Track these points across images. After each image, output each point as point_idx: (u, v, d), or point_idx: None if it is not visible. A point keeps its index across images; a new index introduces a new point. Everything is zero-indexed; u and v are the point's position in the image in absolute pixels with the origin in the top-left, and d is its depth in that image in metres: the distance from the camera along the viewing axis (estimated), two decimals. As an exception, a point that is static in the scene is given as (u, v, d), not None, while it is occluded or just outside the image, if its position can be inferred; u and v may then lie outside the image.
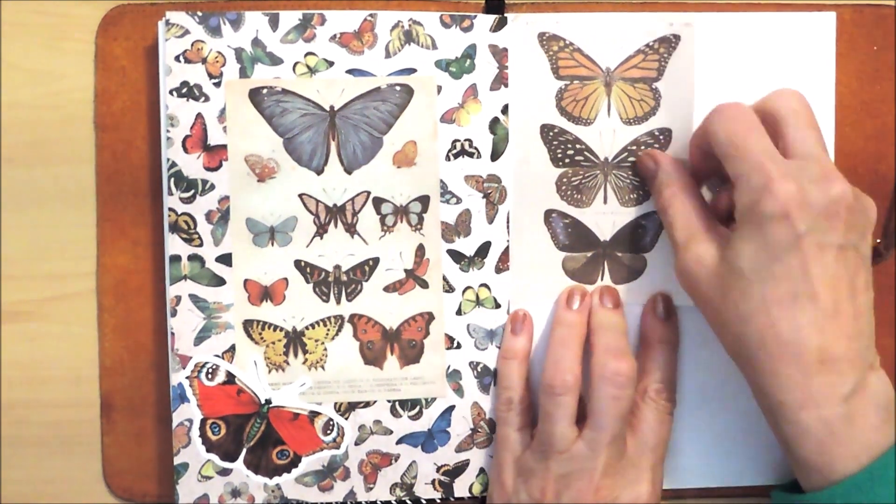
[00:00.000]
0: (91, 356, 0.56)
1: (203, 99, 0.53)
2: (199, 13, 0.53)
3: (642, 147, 0.55)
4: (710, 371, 0.56)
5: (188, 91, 0.53)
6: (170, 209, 0.53)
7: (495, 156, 0.55)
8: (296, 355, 0.54)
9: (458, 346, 0.55)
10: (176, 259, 0.54)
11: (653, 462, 0.53)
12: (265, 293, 0.54)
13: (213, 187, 0.53)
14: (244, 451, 0.55)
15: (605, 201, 0.56)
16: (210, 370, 0.54)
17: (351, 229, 0.54)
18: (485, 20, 0.54)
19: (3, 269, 0.56)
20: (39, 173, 0.56)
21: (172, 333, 0.54)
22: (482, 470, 0.56)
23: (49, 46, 0.56)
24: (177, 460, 0.54)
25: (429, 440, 0.55)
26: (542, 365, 0.54)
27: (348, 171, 0.54)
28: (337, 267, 0.54)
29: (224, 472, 0.55)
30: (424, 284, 0.55)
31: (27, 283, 0.56)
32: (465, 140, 0.54)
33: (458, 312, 0.55)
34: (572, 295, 0.55)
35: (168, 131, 0.53)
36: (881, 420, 0.46)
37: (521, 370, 0.55)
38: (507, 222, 0.55)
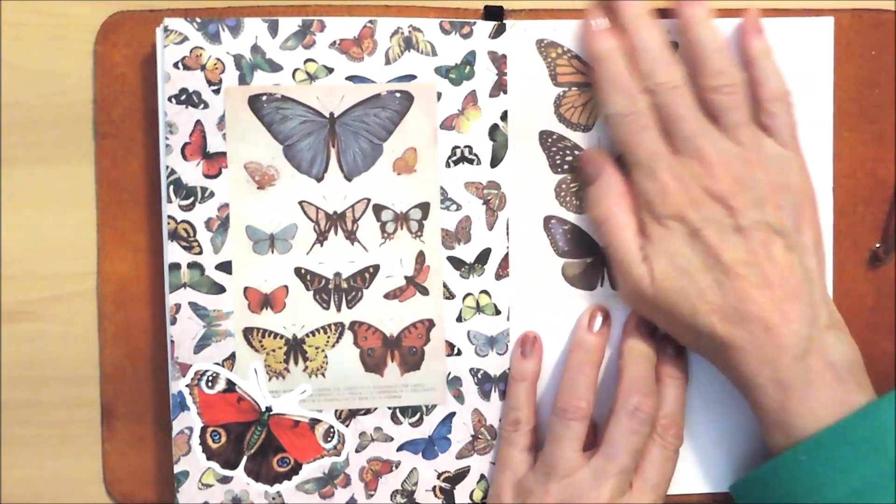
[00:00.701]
0: (91, 356, 0.56)
1: (202, 106, 0.53)
2: (198, 20, 0.53)
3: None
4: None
5: (187, 98, 0.53)
6: (169, 217, 0.53)
7: (495, 162, 0.55)
8: (296, 363, 0.54)
9: (459, 353, 0.55)
10: (175, 267, 0.53)
11: (653, 501, 0.52)
12: (265, 301, 0.54)
13: (212, 195, 0.53)
14: (245, 458, 0.55)
15: (605, 207, 0.56)
16: (210, 378, 0.54)
17: (351, 236, 0.54)
18: (484, 27, 0.54)
19: (3, 269, 0.56)
20: (39, 173, 0.56)
21: (172, 341, 0.54)
22: (483, 476, 0.56)
23: (49, 46, 0.55)
24: (177, 468, 0.54)
25: (429, 447, 0.55)
26: (550, 382, 0.55)
27: (348, 178, 0.54)
28: (337, 274, 0.54)
29: (224, 480, 0.55)
30: (425, 291, 0.55)
31: (27, 283, 0.56)
32: (465, 147, 0.54)
33: (459, 319, 0.55)
34: (594, 316, 0.55)
35: (167, 138, 0.53)
36: (836, 377, 0.48)
37: (530, 392, 0.55)
38: (507, 229, 0.55)
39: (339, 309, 0.54)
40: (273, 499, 0.55)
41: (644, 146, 0.51)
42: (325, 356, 0.55)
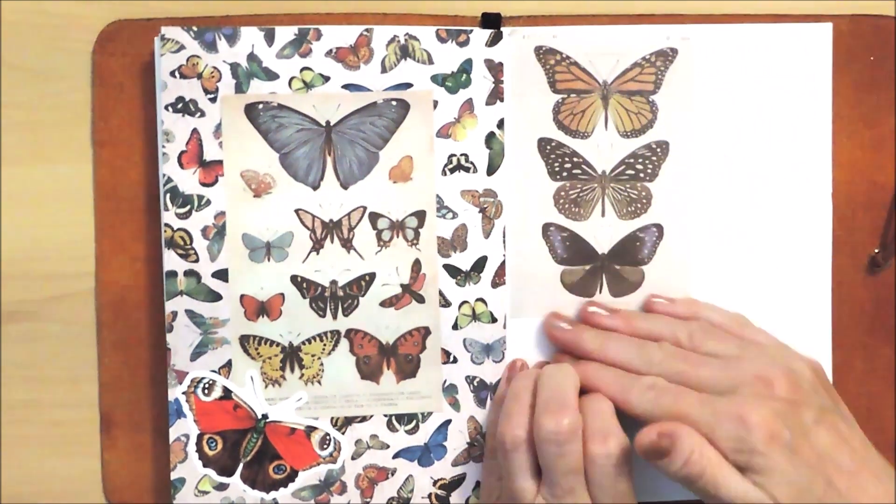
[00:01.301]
0: (91, 356, 0.56)
1: (199, 114, 0.53)
2: (195, 28, 0.53)
3: (640, 160, 0.55)
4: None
5: (184, 106, 0.53)
6: (166, 225, 0.53)
7: (491, 170, 0.54)
8: (292, 370, 0.55)
9: (455, 361, 0.55)
10: (172, 275, 0.54)
11: None
12: (261, 308, 0.54)
13: (208, 203, 0.53)
14: (241, 465, 0.55)
15: (603, 214, 0.56)
16: (207, 385, 0.54)
17: (347, 244, 0.54)
18: (481, 35, 0.54)
19: (3, 269, 0.56)
20: (39, 173, 0.56)
21: (169, 349, 0.54)
22: (479, 484, 0.56)
23: (49, 46, 0.56)
24: (174, 475, 0.54)
25: (425, 454, 0.55)
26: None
27: (344, 187, 0.54)
28: (333, 282, 0.54)
29: (221, 487, 0.55)
30: (421, 299, 0.55)
31: (27, 283, 0.56)
32: (462, 155, 0.54)
33: (455, 327, 0.55)
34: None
35: (164, 147, 0.53)
36: None
37: None
38: (504, 237, 0.55)
39: (335, 317, 0.54)
40: (269, 506, 0.55)
41: None
42: (322, 364, 0.55)
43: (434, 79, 0.54)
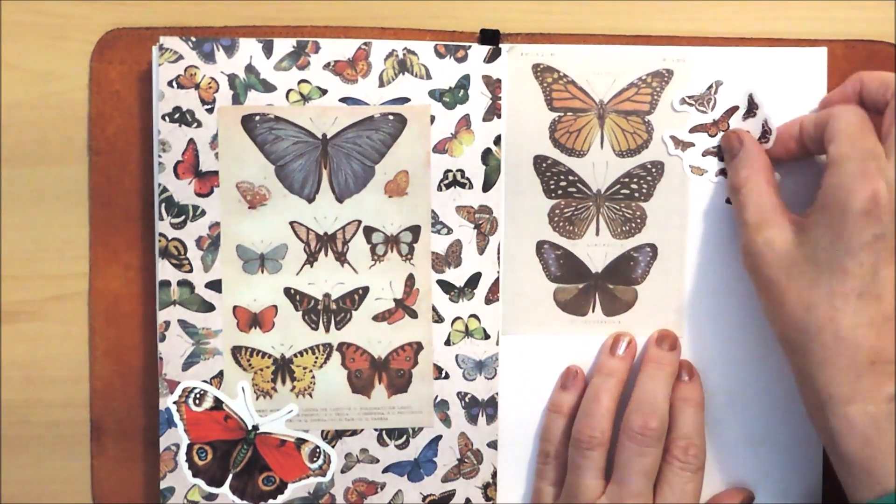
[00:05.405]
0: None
1: (195, 125, 0.53)
2: (193, 38, 0.53)
3: (635, 180, 0.55)
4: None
5: (181, 116, 0.53)
6: (160, 234, 0.53)
7: (487, 187, 0.55)
8: (283, 382, 0.54)
9: (447, 377, 0.55)
10: (165, 284, 0.54)
11: None
12: (254, 320, 0.54)
13: (203, 213, 0.53)
14: (230, 476, 0.55)
15: (598, 233, 0.56)
16: (198, 396, 0.54)
17: (341, 258, 0.54)
18: (479, 51, 0.54)
19: (3, 269, 0.56)
20: (39, 173, 0.56)
21: (161, 358, 0.54)
22: (468, 500, 0.56)
23: (49, 46, 0.56)
24: (163, 484, 0.54)
25: (415, 469, 0.55)
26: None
27: (340, 200, 0.54)
28: (326, 295, 0.54)
29: (210, 497, 0.55)
30: (414, 314, 0.55)
31: (27, 283, 0.56)
32: (458, 170, 0.54)
33: (447, 343, 0.55)
34: (618, 340, 0.55)
35: (160, 156, 0.53)
36: None
37: (563, 425, 0.55)
38: (498, 253, 0.55)
39: (327, 330, 0.55)
40: (258, 518, 0.55)
41: None
42: (313, 376, 0.55)
43: (432, 94, 0.54)
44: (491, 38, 0.55)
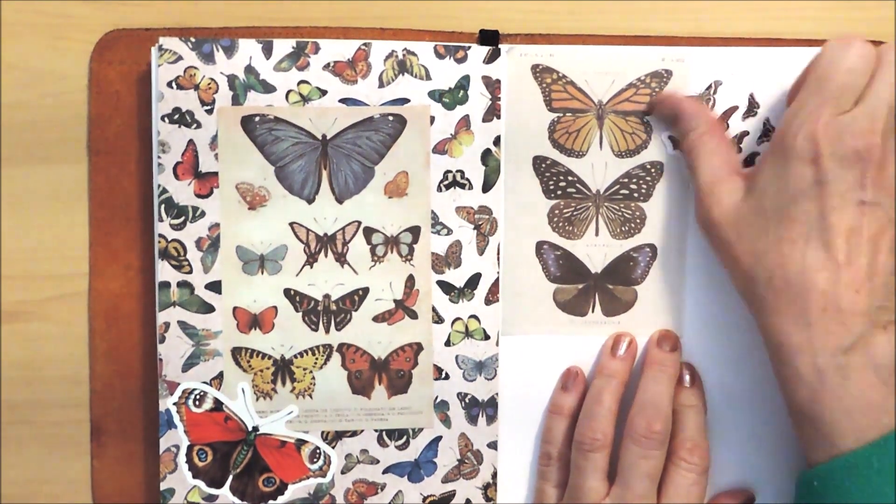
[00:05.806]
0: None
1: (195, 125, 0.53)
2: (193, 39, 0.53)
3: (634, 180, 0.55)
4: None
5: (180, 117, 0.53)
6: (160, 235, 0.53)
7: (487, 187, 0.55)
8: (283, 383, 0.55)
9: (447, 377, 0.55)
10: (165, 285, 0.54)
11: None
12: (254, 321, 0.54)
13: (203, 214, 0.53)
14: (230, 477, 0.55)
15: (597, 233, 0.56)
16: (198, 397, 0.54)
17: (341, 259, 0.54)
18: (479, 51, 0.54)
19: (3, 269, 0.56)
20: (39, 173, 0.56)
21: (161, 359, 0.54)
22: (468, 501, 0.56)
23: (49, 47, 0.56)
24: (163, 486, 0.54)
25: (415, 470, 0.55)
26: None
27: (339, 201, 0.54)
28: (326, 296, 0.54)
29: (210, 499, 0.55)
30: (414, 315, 0.55)
31: (27, 283, 0.56)
32: (457, 171, 0.54)
33: (447, 343, 0.55)
34: (619, 341, 0.55)
35: (160, 157, 0.53)
36: (880, 380, 0.45)
37: (564, 426, 0.55)
38: (498, 254, 0.55)
39: (327, 331, 0.55)
40: (258, 519, 0.55)
41: None
42: (313, 377, 0.55)
43: (431, 94, 0.54)
44: (490, 38, 0.55)
